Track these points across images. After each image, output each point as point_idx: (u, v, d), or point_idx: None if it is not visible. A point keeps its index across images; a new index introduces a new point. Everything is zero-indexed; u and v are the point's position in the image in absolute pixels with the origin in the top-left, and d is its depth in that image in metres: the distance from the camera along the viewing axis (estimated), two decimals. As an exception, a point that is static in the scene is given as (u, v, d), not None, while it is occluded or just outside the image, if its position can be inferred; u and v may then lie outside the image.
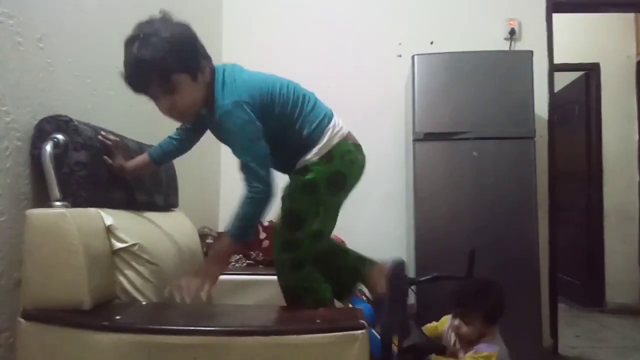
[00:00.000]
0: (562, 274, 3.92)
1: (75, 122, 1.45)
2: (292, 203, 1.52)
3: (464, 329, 1.92)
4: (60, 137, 1.41)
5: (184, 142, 1.71)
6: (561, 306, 3.55)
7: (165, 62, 1.29)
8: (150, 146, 1.79)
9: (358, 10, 3.51)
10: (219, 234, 1.61)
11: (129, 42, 1.32)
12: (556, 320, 3.26)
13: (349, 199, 1.63)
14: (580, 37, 4.69)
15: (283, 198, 1.53)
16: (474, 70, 2.73)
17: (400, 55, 3.42)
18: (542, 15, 3.38)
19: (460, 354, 1.95)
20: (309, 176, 1.50)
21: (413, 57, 2.82)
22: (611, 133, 4.67)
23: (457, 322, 1.95)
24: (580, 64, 4.72)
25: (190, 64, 1.36)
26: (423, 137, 2.70)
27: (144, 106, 2.06)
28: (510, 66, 2.75)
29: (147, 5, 1.59)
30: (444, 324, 2.08)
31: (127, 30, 1.36)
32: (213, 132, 1.58)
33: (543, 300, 2.88)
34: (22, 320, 1.25)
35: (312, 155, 1.51)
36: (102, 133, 1.56)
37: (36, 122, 1.44)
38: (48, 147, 1.38)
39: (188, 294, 1.32)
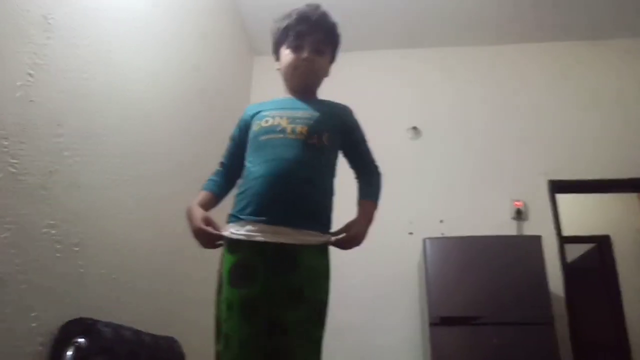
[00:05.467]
0: None
1: (99, 326, 1.50)
2: (322, 292, 1.37)
3: None
4: (82, 341, 1.44)
5: (228, 177, 1.61)
6: None
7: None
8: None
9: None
10: (362, 202, 1.57)
11: (317, 6, 1.60)
12: None
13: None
14: (589, 210, 4.86)
15: (310, 280, 1.33)
16: (485, 254, 2.80)
17: (411, 233, 3.54)
18: (545, 196, 3.55)
19: None
20: (328, 262, 1.41)
21: (424, 240, 2.92)
22: (633, 304, 4.55)
23: None
24: (591, 236, 4.81)
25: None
26: (439, 322, 2.66)
27: (159, 297, 2.15)
28: (520, 250, 2.82)
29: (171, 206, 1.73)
30: None
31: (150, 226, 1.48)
32: (317, 117, 1.51)
33: None
34: None
35: (329, 236, 1.44)
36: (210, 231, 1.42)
37: (61, 324, 1.49)
38: (69, 353, 1.41)
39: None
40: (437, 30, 3.94)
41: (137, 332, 1.71)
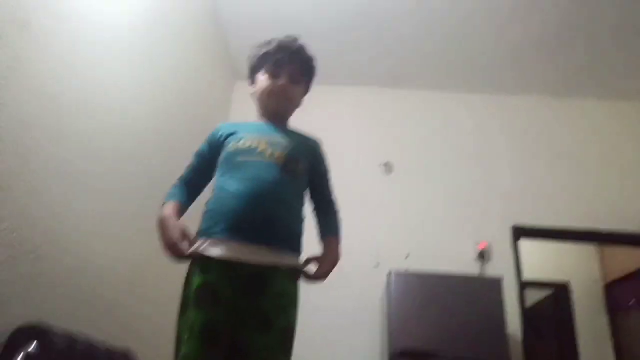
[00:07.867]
0: None
1: (51, 334, 1.45)
2: (291, 318, 1.36)
3: None
4: (32, 349, 1.40)
5: (190, 192, 1.58)
6: None
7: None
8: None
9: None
10: (328, 239, 1.58)
11: (296, 39, 1.65)
12: None
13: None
14: (549, 257, 4.98)
15: (280, 306, 1.33)
16: (447, 292, 2.85)
17: (378, 264, 3.55)
18: (508, 240, 3.65)
19: None
20: (298, 289, 1.41)
21: (390, 273, 2.95)
22: (588, 352, 4.64)
23: None
24: (550, 283, 4.92)
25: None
26: (399, 355, 2.67)
27: (119, 310, 2.10)
28: (482, 291, 2.87)
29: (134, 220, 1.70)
30: None
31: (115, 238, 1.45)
32: (293, 145, 1.54)
33: None
34: None
35: (300, 262, 1.45)
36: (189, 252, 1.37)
37: (13, 329, 1.44)
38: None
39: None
40: (415, 73, 4.09)
41: (91, 346, 1.66)
